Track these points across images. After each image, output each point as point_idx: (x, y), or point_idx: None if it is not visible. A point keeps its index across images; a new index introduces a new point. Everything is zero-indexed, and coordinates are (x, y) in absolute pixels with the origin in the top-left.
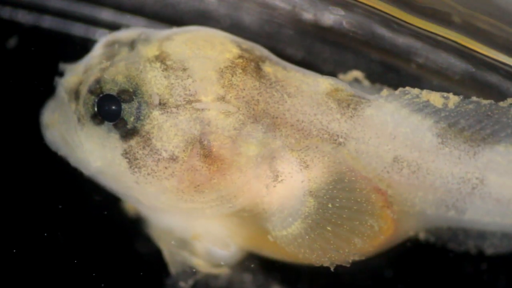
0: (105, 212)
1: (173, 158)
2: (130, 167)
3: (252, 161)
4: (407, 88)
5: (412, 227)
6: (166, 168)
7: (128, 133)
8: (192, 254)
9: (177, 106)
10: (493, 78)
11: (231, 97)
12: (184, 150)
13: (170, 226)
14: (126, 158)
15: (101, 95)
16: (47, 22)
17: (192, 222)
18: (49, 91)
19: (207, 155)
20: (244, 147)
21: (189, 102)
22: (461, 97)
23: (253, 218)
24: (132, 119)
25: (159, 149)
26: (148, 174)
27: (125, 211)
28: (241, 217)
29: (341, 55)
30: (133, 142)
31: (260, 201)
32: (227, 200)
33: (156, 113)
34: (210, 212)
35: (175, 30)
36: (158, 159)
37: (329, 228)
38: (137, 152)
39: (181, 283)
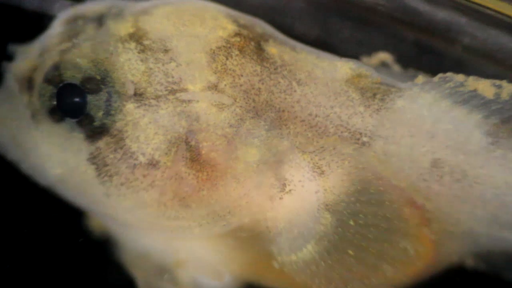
0: (80, 239)
1: (153, 164)
2: (99, 175)
3: (252, 168)
4: (449, 74)
5: (456, 251)
6: (144, 176)
7: (95, 132)
8: (174, 285)
9: (157, 97)
10: None
11: (225, 85)
12: (166, 153)
13: (147, 249)
14: (94, 164)
15: (61, 85)
16: None
17: (175, 244)
18: None
19: (195, 159)
20: (242, 150)
21: (173, 92)
22: None
23: (253, 239)
24: (100, 114)
25: (135, 152)
26: (122, 184)
27: (91, 230)
28: (238, 238)
29: (365, 33)
30: (101, 143)
31: (262, 217)
32: (220, 217)
33: (130, 106)
34: (200, 231)
35: (154, 1)
36: (134, 165)
37: (350, 252)
38: (107, 156)
39: None
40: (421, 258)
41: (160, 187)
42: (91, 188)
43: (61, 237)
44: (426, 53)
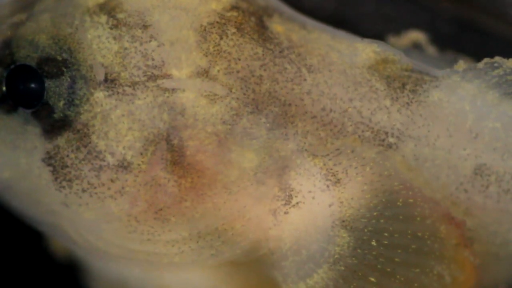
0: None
1: (124, 166)
2: (56, 179)
3: (248, 176)
4: (497, 58)
5: (503, 278)
6: (112, 181)
7: (54, 127)
8: None
9: (133, 85)
10: None
11: (218, 71)
12: (141, 154)
13: (123, 276)
14: (50, 165)
15: (12, 66)
16: None
17: (157, 270)
18: None
19: (177, 161)
20: (237, 153)
21: (153, 78)
22: None
23: (252, 263)
24: (61, 104)
25: (102, 151)
26: (84, 190)
27: (51, 252)
28: (233, 262)
29: (392, 8)
30: (61, 140)
31: (263, 236)
32: (206, 243)
33: (99, 94)
34: (181, 260)
35: None
36: (100, 167)
37: (372, 279)
38: (67, 156)
39: None
40: (460, 286)
41: (131, 195)
42: (46, 196)
43: (15, 259)
44: (469, 32)
